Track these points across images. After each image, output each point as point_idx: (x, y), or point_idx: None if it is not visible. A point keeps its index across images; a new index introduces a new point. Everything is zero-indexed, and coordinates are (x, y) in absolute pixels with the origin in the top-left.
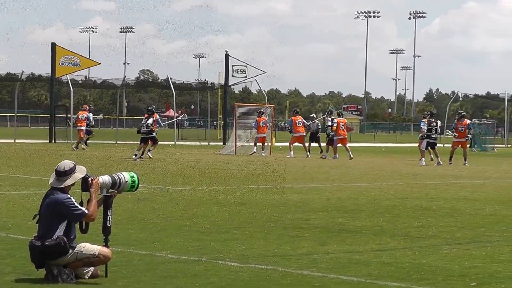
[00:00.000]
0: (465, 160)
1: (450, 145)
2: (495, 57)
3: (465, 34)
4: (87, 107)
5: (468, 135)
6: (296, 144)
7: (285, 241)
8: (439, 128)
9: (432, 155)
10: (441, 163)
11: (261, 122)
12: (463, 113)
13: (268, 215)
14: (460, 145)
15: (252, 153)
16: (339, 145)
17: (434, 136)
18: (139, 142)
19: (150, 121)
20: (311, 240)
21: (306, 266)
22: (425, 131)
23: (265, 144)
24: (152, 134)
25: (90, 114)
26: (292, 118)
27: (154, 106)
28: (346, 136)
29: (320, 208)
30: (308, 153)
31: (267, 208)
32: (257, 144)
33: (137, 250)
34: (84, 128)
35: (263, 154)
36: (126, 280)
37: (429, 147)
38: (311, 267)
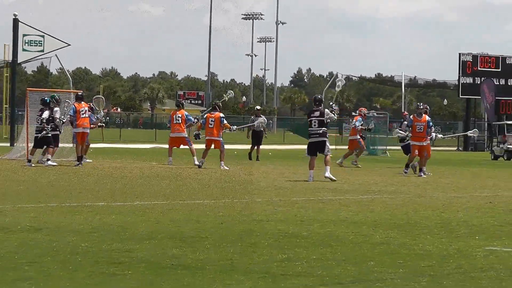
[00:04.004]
0: (420, 170)
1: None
2: (388, 26)
3: None
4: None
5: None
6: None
7: (97, 281)
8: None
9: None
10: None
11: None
12: (420, 106)
13: (74, 245)
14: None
15: None
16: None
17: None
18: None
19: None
20: (134, 280)
21: None
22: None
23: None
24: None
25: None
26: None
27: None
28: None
29: (147, 235)
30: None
31: (73, 236)
32: None
33: None
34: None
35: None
36: None
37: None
38: None
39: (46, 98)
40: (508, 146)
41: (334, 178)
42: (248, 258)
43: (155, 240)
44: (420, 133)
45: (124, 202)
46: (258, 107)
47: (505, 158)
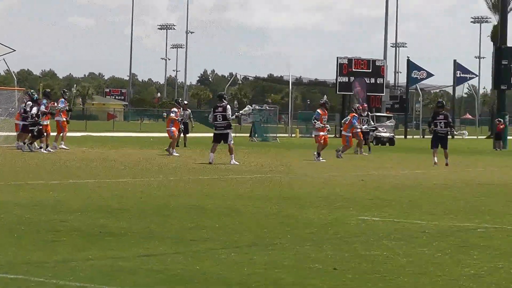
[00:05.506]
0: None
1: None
2: (278, 35)
3: (244, 8)
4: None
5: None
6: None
7: (38, 246)
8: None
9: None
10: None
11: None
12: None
13: (19, 217)
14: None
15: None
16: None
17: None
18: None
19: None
20: (69, 245)
21: (63, 275)
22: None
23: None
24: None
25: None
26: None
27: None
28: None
29: (79, 208)
30: None
31: (18, 209)
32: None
33: None
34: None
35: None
36: None
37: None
38: (68, 276)
39: (34, 96)
40: (377, 133)
41: (237, 163)
42: (163, 227)
43: (86, 212)
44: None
45: (60, 181)
46: (186, 102)
47: (374, 144)
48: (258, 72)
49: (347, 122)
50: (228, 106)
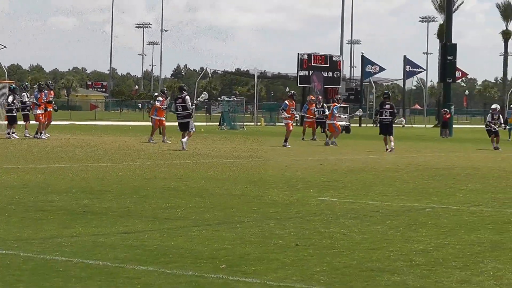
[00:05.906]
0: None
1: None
2: (244, 33)
3: (213, 9)
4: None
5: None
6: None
7: (27, 224)
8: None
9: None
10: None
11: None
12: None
13: (10, 197)
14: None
15: None
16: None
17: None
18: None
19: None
20: (55, 223)
21: (50, 250)
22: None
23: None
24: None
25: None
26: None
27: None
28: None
29: (64, 189)
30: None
31: (9, 190)
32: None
33: None
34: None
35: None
36: None
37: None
38: (54, 251)
39: (12, 86)
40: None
41: (186, 148)
42: (141, 206)
43: (71, 193)
44: (293, 114)
45: (47, 165)
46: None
47: None
48: (226, 67)
49: (330, 112)
50: (187, 97)
